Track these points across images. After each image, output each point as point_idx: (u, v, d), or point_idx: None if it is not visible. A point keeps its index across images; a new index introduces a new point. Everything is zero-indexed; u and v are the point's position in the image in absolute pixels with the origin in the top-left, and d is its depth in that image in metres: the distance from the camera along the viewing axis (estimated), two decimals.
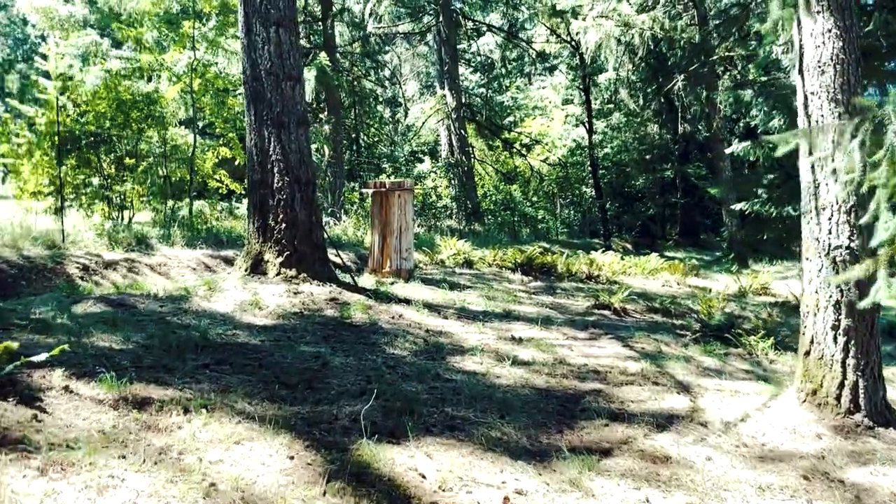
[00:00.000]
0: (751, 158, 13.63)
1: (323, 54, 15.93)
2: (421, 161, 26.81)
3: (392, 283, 9.87)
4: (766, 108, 13.15)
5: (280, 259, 7.71)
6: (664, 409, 4.92)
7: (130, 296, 6.70)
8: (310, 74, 15.66)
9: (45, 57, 17.20)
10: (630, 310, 9.67)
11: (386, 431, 3.84)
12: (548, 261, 13.54)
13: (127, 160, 12.47)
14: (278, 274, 7.65)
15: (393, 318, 7.05)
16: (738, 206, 13.50)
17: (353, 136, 24.96)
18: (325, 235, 8.35)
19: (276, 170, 7.82)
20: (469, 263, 13.58)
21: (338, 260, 12.06)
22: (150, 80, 16.55)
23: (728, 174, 19.20)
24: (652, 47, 20.20)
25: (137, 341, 5.04)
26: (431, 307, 7.96)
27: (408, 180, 10.70)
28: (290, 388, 4.48)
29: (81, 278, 7.97)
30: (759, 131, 13.83)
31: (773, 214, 13.22)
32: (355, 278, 8.62)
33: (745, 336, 7.65)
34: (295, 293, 7.25)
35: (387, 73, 36.82)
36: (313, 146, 17.04)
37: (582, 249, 20.78)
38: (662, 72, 24.93)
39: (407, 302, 7.94)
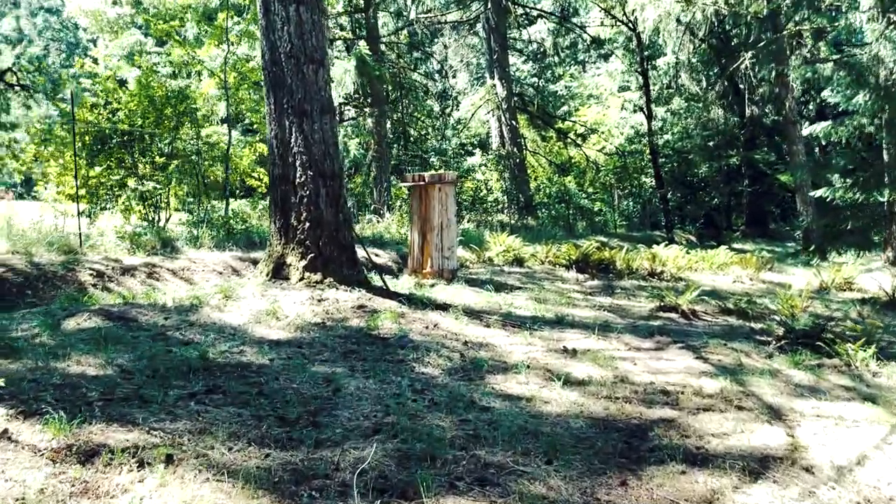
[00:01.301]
0: (831, 140, 12.27)
1: (362, 43, 15.20)
2: (471, 154, 25.88)
3: (432, 286, 9.02)
4: (847, 84, 11.78)
5: (303, 262, 6.95)
6: (755, 446, 3.93)
7: (135, 306, 6.02)
8: (349, 65, 14.95)
9: (95, 60, 16.95)
10: (700, 312, 8.60)
11: (397, 490, 2.98)
12: (605, 257, 12.50)
13: (157, 159, 11.96)
14: (302, 279, 6.89)
15: (427, 327, 6.20)
16: (816, 193, 12.18)
17: (401, 129, 24.22)
18: (355, 235, 7.55)
19: (297, 163, 7.05)
20: (519, 261, 12.65)
21: (377, 260, 11.31)
22: (189, 75, 16.14)
23: (802, 158, 17.71)
24: (715, 24, 18.82)
25: (120, 364, 4.31)
26: (473, 313, 7.08)
27: (449, 172, 9.84)
28: (288, 424, 3.66)
29: (94, 286, 7.37)
30: (840, 110, 12.51)
31: (858, 201, 11.86)
32: (387, 282, 7.81)
33: (841, 343, 6.52)
34: (318, 301, 6.47)
35: (435, 64, 36.06)
36: (354, 140, 16.36)
37: (642, 243, 19.56)
38: (726, 52, 23.42)
39: (445, 308, 7.08)
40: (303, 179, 7.04)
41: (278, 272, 7.04)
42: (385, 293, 7.18)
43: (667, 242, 15.48)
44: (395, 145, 23.21)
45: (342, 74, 15.21)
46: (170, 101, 12.54)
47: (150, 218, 13.12)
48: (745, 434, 4.14)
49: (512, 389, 4.72)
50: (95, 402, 3.60)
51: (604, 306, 8.65)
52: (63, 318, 5.44)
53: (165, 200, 13.65)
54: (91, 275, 7.55)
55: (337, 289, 6.81)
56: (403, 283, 9.07)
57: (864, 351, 6.32)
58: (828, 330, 7.17)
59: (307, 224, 6.99)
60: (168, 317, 5.77)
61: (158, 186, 12.36)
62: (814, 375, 5.76)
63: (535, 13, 27.38)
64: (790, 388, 5.30)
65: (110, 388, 3.83)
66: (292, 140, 7.08)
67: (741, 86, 24.49)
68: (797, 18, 16.24)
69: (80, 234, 8.63)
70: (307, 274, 6.91)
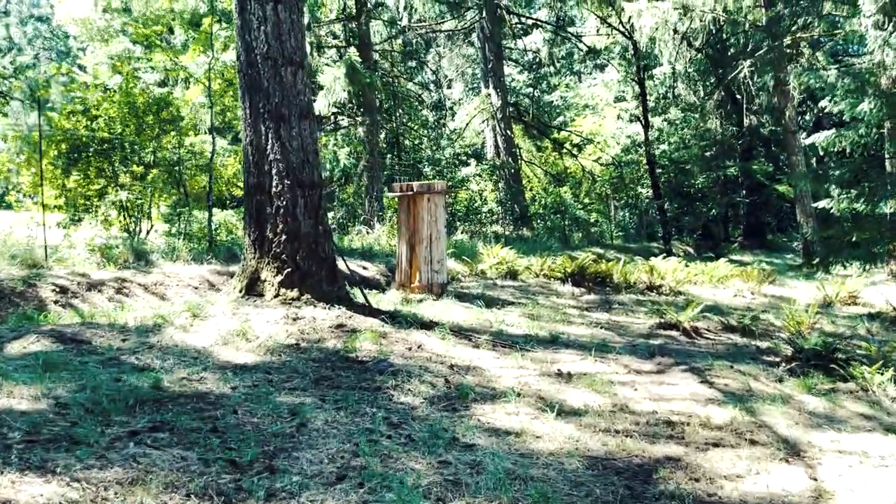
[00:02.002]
0: (833, 150, 11.86)
1: (353, 50, 14.78)
2: (466, 164, 25.44)
3: (420, 301, 8.55)
4: (850, 92, 11.38)
5: (279, 278, 6.47)
6: (775, 493, 3.46)
7: (91, 326, 5.54)
8: (339, 71, 14.51)
9: (83, 68, 16.50)
10: (702, 329, 8.13)
11: None
12: (602, 269, 12.04)
13: (136, 168, 11.49)
14: (277, 295, 6.41)
15: (410, 349, 5.72)
16: (818, 204, 11.75)
17: (394, 138, 23.79)
18: (336, 247, 7.08)
19: (274, 171, 6.59)
20: (513, 274, 12.18)
21: (365, 273, 10.84)
22: (176, 82, 15.70)
23: (803, 169, 17.31)
24: (713, 33, 18.47)
25: (58, 396, 3.83)
26: (461, 332, 6.61)
27: (438, 181, 9.40)
28: (239, 469, 3.18)
29: (56, 302, 6.89)
30: (838, 119, 12.12)
31: (862, 213, 11.42)
32: (373, 297, 7.34)
33: (856, 366, 6.06)
34: (293, 319, 6.00)
35: (429, 74, 35.66)
36: (345, 149, 15.92)
37: (640, 255, 19.11)
38: (722, 62, 23.09)
39: (432, 326, 6.60)
40: (279, 189, 6.57)
41: (252, 288, 6.56)
42: (367, 310, 6.71)
43: (665, 255, 15.04)
44: (388, 155, 22.79)
45: (332, 82, 14.78)
46: (151, 108, 12.10)
47: (131, 229, 12.67)
48: (762, 476, 3.67)
49: (500, 422, 4.25)
50: (15, 444, 3.12)
51: (601, 323, 8.19)
52: (9, 341, 4.96)
53: (147, 211, 13.20)
54: (53, 290, 7.07)
55: (314, 306, 6.33)
56: (390, 298, 8.60)
57: (881, 374, 5.86)
58: (840, 350, 6.72)
59: (283, 237, 6.52)
60: (126, 338, 5.29)
61: (138, 197, 11.91)
62: (829, 402, 5.30)
63: (530, 22, 27.02)
64: (805, 418, 4.83)
65: (37, 427, 3.34)
66: (268, 147, 6.63)
67: (738, 96, 24.13)
68: (797, 25, 15.88)
69: (45, 246, 8.14)
70: (283, 290, 6.43)
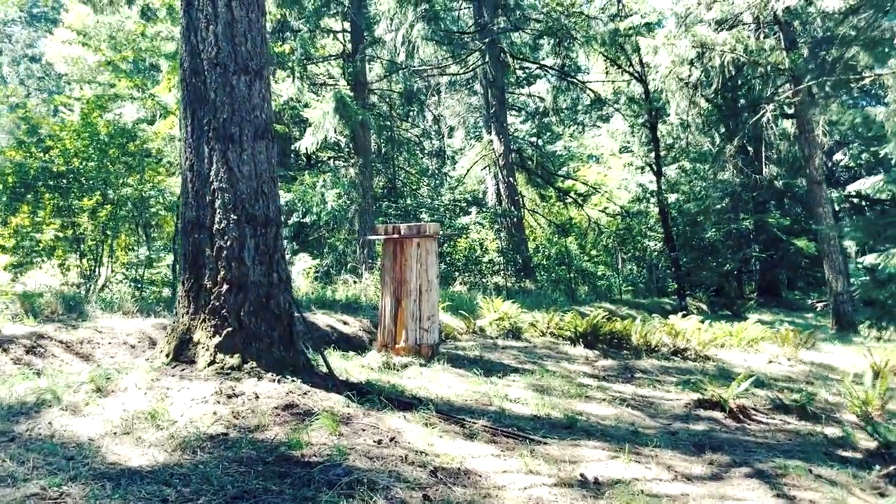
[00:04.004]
0: (881, 198, 10.50)
1: (343, 83, 13.58)
2: (466, 213, 24.11)
3: (404, 367, 7.07)
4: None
5: (216, 339, 5.00)
6: None
7: None
8: (328, 106, 13.28)
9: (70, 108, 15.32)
10: (750, 409, 6.61)
11: None
12: (618, 329, 10.55)
13: (86, 203, 10.12)
14: (212, 363, 4.93)
15: (380, 442, 4.22)
16: (867, 260, 10.33)
17: (391, 184, 22.58)
18: (295, 301, 5.62)
19: (217, 203, 5.19)
20: (516, 332, 10.70)
21: (345, 329, 9.36)
22: (154, 117, 14.50)
23: (829, 221, 15.94)
24: (729, 77, 17.35)
25: None
26: (452, 413, 5.11)
27: (431, 223, 8.00)
28: None
29: None
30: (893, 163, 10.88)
31: None
32: (342, 364, 5.88)
33: None
34: (228, 397, 4.52)
35: (430, 121, 34.68)
36: (333, 191, 14.60)
37: (652, 311, 17.59)
38: (736, 109, 21.98)
39: (413, 406, 5.10)
40: (223, 225, 5.16)
41: (182, 352, 5.09)
42: (331, 383, 5.21)
43: (685, 313, 13.54)
44: (383, 201, 21.52)
45: (320, 117, 13.55)
46: (114, 140, 10.80)
47: (88, 274, 11.32)
48: None
49: None
50: None
51: (625, 399, 6.67)
52: None
53: (102, 255, 11.82)
54: None
55: (260, 378, 4.85)
56: (368, 362, 7.12)
57: None
58: None
59: (225, 286, 5.07)
60: None
61: (96, 239, 10.54)
62: None
63: (534, 68, 26.06)
64: None
65: None
66: (212, 172, 5.24)
67: (748, 148, 22.92)
68: (824, 68, 14.69)
69: None
70: (220, 356, 4.95)
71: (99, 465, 3.50)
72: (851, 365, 10.97)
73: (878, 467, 4.77)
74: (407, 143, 24.57)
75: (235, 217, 5.17)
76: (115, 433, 3.96)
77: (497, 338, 10.39)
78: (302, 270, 13.92)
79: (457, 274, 19.82)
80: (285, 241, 16.68)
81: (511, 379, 7.10)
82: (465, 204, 24.21)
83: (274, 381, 4.85)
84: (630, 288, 24.11)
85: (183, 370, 4.91)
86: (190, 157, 5.36)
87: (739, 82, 20.26)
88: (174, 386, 4.63)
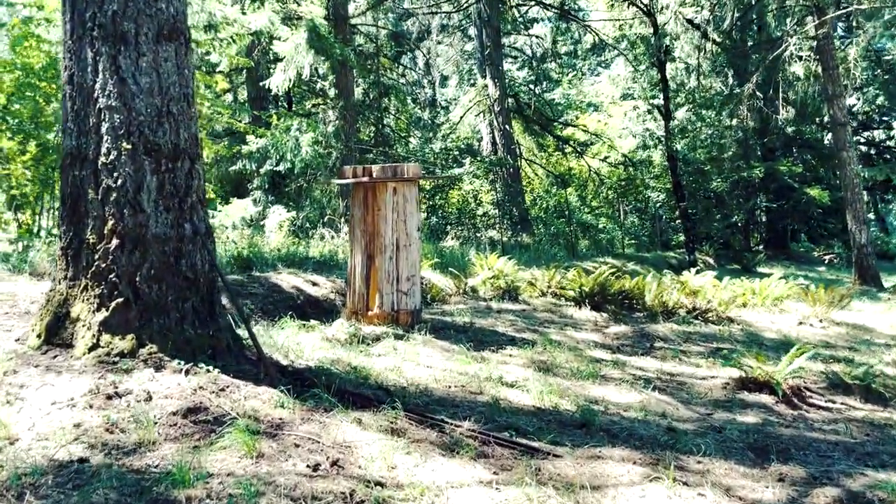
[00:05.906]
0: None
1: (318, 12, 11.96)
2: (460, 164, 22.60)
3: (377, 339, 5.75)
4: None
5: (102, 314, 3.64)
6: None
7: None
8: (299, 37, 11.70)
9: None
10: (804, 389, 5.32)
11: None
12: (628, 288, 9.24)
13: (12, 146, 8.70)
14: (95, 347, 3.58)
15: (316, 469, 2.88)
16: None
17: (378, 133, 21.00)
18: (215, 259, 4.24)
19: (105, 127, 3.78)
20: (513, 292, 9.38)
21: (313, 291, 8.02)
22: None
23: (853, 167, 14.55)
24: (750, 6, 15.71)
25: None
26: (426, 414, 3.78)
27: (410, 165, 6.59)
28: None
29: None
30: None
31: None
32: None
33: None
34: (108, 397, 3.18)
35: (421, 67, 32.81)
36: (308, 135, 13.11)
37: (657, 266, 16.33)
38: (744, 51, 20.35)
39: (375, 402, 3.77)
40: (112, 157, 3.75)
41: (56, 332, 3.73)
42: (265, 371, 3.86)
43: (699, 268, 12.24)
44: (370, 151, 20.00)
45: (292, 51, 11.98)
46: (47, 71, 9.33)
47: (31, 230, 10.04)
48: None
49: None
50: None
51: (649, 378, 5.36)
52: None
53: (49, 207, 10.48)
54: None
55: (159, 368, 3.51)
56: (335, 333, 5.80)
57: None
58: None
59: (114, 241, 3.68)
60: None
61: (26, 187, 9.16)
62: None
63: (532, 3, 24.21)
64: None
65: None
66: (97, 86, 3.82)
67: (758, 94, 21.30)
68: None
69: None
70: (106, 337, 3.60)
71: None
72: (889, 325, 9.76)
73: None
74: (396, 89, 22.84)
75: (129, 146, 3.76)
76: None
77: (491, 299, 9.07)
78: (276, 224, 12.53)
79: (449, 228, 18.47)
80: (259, 192, 15.27)
81: (507, 353, 5.79)
82: (458, 153, 22.64)
83: (180, 371, 3.51)
84: (633, 241, 22.79)
85: (55, 357, 3.56)
86: (70, 66, 3.93)
87: (753, 17, 18.63)
88: (33, 382, 3.30)
